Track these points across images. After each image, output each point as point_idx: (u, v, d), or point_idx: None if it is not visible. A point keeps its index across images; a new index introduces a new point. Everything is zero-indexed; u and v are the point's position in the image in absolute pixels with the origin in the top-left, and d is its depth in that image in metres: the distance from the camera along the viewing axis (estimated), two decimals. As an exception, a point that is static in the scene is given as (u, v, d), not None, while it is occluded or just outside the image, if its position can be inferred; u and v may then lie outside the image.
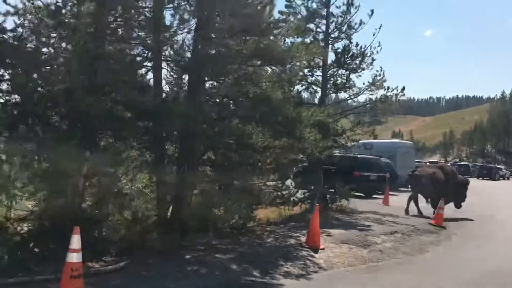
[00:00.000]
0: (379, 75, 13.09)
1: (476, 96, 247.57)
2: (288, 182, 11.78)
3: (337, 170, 20.36)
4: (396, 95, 12.83)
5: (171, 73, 9.05)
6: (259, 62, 8.70)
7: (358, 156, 20.66)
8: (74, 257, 4.99)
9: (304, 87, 13.64)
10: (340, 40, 13.26)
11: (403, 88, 12.82)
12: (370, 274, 6.96)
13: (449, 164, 71.69)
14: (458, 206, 13.80)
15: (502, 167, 62.85)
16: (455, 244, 9.87)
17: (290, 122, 8.48)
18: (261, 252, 7.59)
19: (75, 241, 5.02)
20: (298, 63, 9.72)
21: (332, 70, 13.11)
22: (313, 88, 13.85)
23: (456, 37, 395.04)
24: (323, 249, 8.06)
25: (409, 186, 13.91)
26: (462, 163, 62.71)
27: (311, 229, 8.24)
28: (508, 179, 56.13)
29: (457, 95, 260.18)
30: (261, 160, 9.51)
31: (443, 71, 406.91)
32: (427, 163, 42.32)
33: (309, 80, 13.49)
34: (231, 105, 9.18)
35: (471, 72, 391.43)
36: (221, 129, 8.26)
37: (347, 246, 8.51)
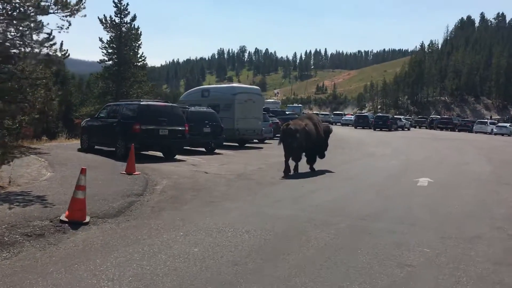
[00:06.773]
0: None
1: (402, 49, 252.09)
2: None
3: (118, 123, 15.12)
4: None
5: None
6: None
7: (142, 103, 15.30)
8: None
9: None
10: None
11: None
12: None
13: (350, 114, 69.56)
14: (322, 156, 13.71)
15: (401, 117, 60.88)
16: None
17: None
18: None
19: None
20: None
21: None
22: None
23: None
24: None
25: (280, 142, 12.95)
26: (364, 113, 60.08)
27: None
28: (408, 129, 54.11)
29: (384, 49, 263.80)
30: None
31: (371, 26, 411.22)
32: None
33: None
34: None
35: (397, 26, 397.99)
36: None
37: None
